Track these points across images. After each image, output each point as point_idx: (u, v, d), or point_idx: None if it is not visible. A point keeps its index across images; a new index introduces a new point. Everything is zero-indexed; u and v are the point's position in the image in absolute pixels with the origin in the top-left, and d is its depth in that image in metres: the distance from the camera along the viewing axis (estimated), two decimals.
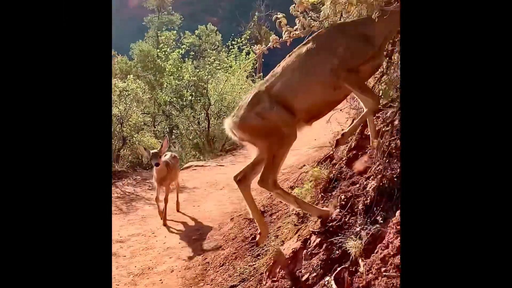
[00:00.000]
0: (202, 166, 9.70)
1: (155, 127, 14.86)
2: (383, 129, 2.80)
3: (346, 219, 2.64)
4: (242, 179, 2.94)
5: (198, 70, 14.60)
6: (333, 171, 3.35)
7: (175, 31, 22.75)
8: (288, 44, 3.18)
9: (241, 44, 17.40)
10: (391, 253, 1.93)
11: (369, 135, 3.12)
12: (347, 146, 3.44)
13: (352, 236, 2.37)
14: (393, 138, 2.66)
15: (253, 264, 3.46)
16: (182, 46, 16.51)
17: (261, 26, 31.96)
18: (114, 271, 4.23)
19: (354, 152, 3.28)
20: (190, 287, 3.77)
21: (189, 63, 15.25)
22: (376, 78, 3.30)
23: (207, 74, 14.19)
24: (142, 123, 11.95)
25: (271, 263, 3.05)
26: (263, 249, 3.58)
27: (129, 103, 10.70)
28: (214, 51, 22.07)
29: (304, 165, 4.71)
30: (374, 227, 2.28)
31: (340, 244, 2.44)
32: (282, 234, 3.46)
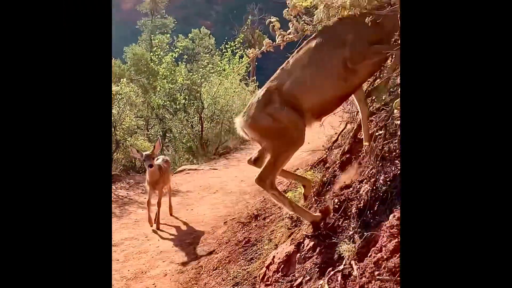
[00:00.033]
0: (196, 169, 9.69)
1: (148, 131, 14.80)
2: (376, 133, 2.81)
3: (340, 223, 2.64)
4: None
5: (191, 74, 14.56)
6: (327, 175, 3.36)
7: (168, 35, 22.69)
8: (281, 48, 3.18)
9: (234, 47, 17.43)
10: (385, 257, 1.93)
11: (362, 138, 3.13)
12: (340, 149, 3.45)
13: (346, 239, 2.37)
14: (386, 141, 2.67)
15: (247, 268, 3.45)
16: (176, 50, 16.48)
17: (255, 30, 32.03)
18: None
19: (348, 155, 3.29)
20: None
21: (183, 66, 15.20)
22: (369, 82, 3.31)
23: (200, 77, 14.15)
24: (136, 126, 11.89)
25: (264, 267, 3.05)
26: (257, 253, 3.57)
27: (122, 106, 10.65)
28: (208, 55, 22.02)
29: (297, 169, 4.72)
30: (368, 231, 2.28)
31: (334, 247, 2.44)
32: (276, 237, 3.46)
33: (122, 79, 12.46)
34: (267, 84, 2.89)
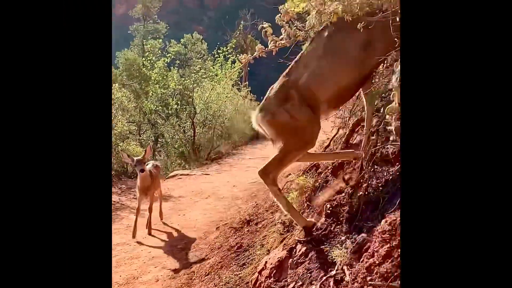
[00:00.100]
0: (188, 174, 9.67)
1: (140, 136, 14.75)
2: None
3: (332, 228, 2.64)
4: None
5: (183, 79, 14.56)
6: (319, 180, 3.36)
7: (160, 40, 22.73)
8: (273, 53, 3.19)
9: (226, 53, 17.49)
10: (377, 262, 1.93)
11: (355, 143, 3.14)
12: None
13: (338, 245, 2.37)
14: (378, 147, 2.68)
15: (239, 273, 3.44)
16: (168, 55, 16.44)
17: (247, 35, 32.05)
18: None
19: (340, 160, 3.29)
20: None
21: (175, 71, 15.18)
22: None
23: (192, 82, 14.16)
24: (128, 131, 11.86)
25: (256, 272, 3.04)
26: (249, 258, 3.56)
27: (114, 111, 10.65)
28: (200, 60, 22.02)
29: (289, 174, 4.72)
30: (360, 236, 2.28)
31: (326, 253, 2.44)
32: (268, 243, 3.45)
33: (114, 84, 12.45)
34: (282, 79, 2.87)
